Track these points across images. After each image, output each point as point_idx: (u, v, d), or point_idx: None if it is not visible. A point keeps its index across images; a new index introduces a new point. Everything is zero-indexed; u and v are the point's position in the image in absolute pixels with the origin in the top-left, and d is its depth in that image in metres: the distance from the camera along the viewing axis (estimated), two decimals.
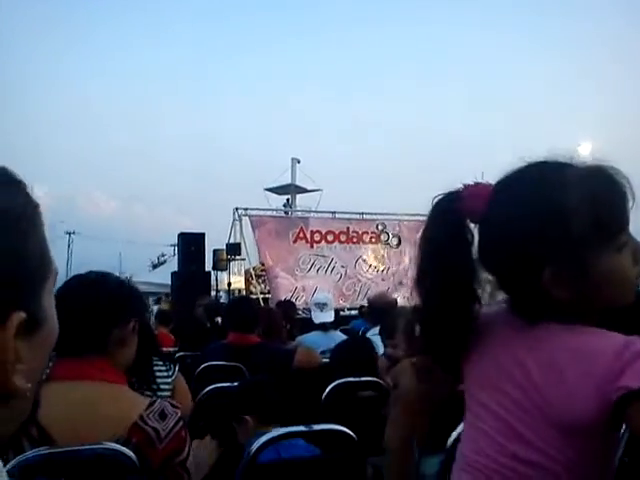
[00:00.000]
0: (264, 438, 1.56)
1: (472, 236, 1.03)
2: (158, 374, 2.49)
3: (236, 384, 2.63)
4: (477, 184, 1.04)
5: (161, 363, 2.56)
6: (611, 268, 0.94)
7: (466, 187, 1.04)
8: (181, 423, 1.49)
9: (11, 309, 0.53)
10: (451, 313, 1.03)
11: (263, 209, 19.10)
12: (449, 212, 1.04)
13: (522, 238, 0.95)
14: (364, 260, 18.77)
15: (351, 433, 1.57)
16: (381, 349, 3.43)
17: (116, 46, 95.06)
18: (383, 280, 18.32)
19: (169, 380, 2.53)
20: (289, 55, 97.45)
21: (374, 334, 3.58)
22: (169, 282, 15.76)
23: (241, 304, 3.85)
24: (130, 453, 1.36)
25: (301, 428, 1.62)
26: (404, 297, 18.07)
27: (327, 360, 3.71)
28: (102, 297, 1.58)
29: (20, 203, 0.56)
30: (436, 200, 1.07)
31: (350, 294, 18.19)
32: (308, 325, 5.43)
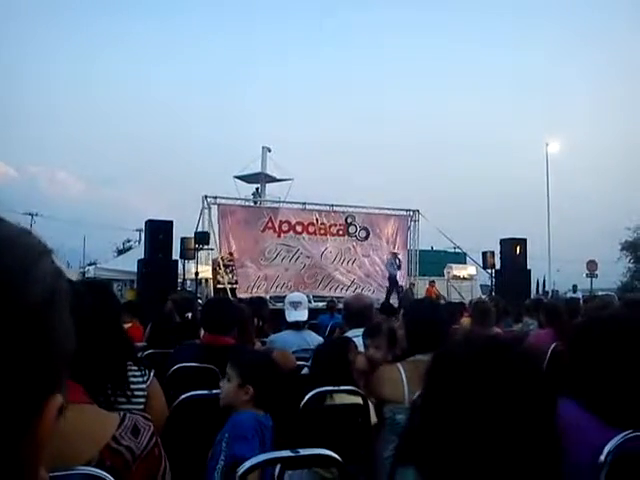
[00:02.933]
0: (248, 464, 1.50)
1: None
2: (132, 379, 2.40)
3: (214, 391, 2.58)
4: None
5: (135, 368, 2.46)
6: None
7: None
8: (154, 439, 1.40)
9: (49, 394, 0.50)
10: None
11: (233, 198, 19.01)
12: None
13: None
14: (330, 252, 18.89)
15: (337, 457, 1.53)
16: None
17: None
18: (349, 272, 18.48)
19: (144, 386, 2.45)
20: (262, 42, 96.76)
21: (355, 335, 3.55)
22: (135, 269, 15.48)
23: (219, 306, 3.76)
24: (108, 476, 1.28)
25: (287, 453, 1.57)
26: (370, 290, 18.34)
27: (302, 363, 3.67)
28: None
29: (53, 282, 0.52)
30: None
31: (311, 282, 18.25)
32: (277, 317, 5.37)
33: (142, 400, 2.40)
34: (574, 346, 2.14)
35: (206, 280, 17.93)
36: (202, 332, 4.60)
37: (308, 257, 18.43)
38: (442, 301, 13.98)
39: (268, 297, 14.66)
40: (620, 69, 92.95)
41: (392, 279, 17.53)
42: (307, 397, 2.53)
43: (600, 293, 19.38)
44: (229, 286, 15.33)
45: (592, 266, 26.46)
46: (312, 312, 9.85)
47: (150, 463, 1.35)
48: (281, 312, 5.00)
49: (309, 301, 14.55)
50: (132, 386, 2.37)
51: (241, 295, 14.35)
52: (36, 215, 40.91)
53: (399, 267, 17.93)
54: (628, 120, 76.66)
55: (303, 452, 1.54)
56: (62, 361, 0.51)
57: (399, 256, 18.20)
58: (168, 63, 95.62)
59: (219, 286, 15.40)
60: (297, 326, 4.64)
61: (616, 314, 2.55)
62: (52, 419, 0.50)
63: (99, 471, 1.29)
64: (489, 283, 19.65)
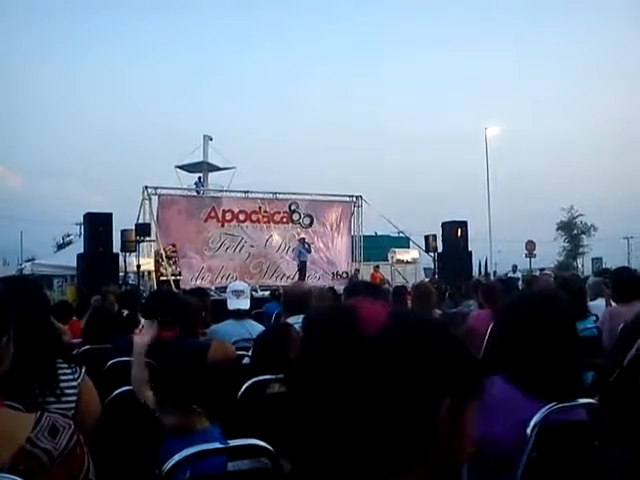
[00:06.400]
0: (177, 457, 1.48)
1: None
2: (62, 377, 2.33)
3: None
4: None
5: (65, 365, 2.38)
6: None
7: None
8: (75, 438, 1.30)
9: None
10: None
11: (174, 188, 18.68)
12: None
13: None
14: (275, 240, 18.85)
15: (268, 447, 1.52)
16: None
17: None
18: (294, 260, 18.48)
19: (75, 384, 2.37)
20: (203, 27, 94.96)
21: (295, 322, 3.55)
22: (75, 264, 15.07)
23: (161, 299, 3.68)
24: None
25: (217, 445, 1.55)
26: (316, 277, 18.40)
27: (242, 353, 3.65)
28: None
29: None
30: None
31: (256, 272, 18.19)
32: (221, 308, 5.32)
33: (73, 398, 2.33)
34: (503, 324, 2.20)
35: (149, 273, 17.59)
36: (140, 326, 4.53)
37: (252, 246, 18.34)
38: (387, 286, 14.16)
39: (213, 288, 14.52)
40: (561, 55, 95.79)
41: (302, 265, 17.55)
42: (244, 387, 2.51)
43: (537, 272, 20.07)
44: (172, 278, 15.10)
45: (531, 246, 27.29)
46: (258, 301, 9.86)
47: (70, 463, 1.27)
48: (225, 303, 4.94)
49: (255, 290, 14.50)
50: (62, 384, 2.30)
51: (185, 287, 14.16)
52: None
53: (309, 251, 17.88)
54: (564, 104, 79.22)
55: (233, 443, 1.52)
56: None
57: (306, 240, 18.13)
58: (108, 52, 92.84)
59: (162, 278, 15.15)
60: (239, 315, 4.60)
61: (539, 293, 2.65)
62: None
63: (9, 476, 1.22)
64: (432, 266, 20.02)
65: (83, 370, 2.45)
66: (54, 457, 1.25)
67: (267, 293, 13.38)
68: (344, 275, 18.93)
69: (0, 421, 1.30)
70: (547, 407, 1.80)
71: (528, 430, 1.81)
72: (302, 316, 3.93)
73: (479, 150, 30.06)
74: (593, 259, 37.73)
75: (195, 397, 2.44)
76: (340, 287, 14.73)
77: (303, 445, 0.83)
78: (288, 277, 18.00)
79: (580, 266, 43.93)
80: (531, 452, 1.82)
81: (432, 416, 0.80)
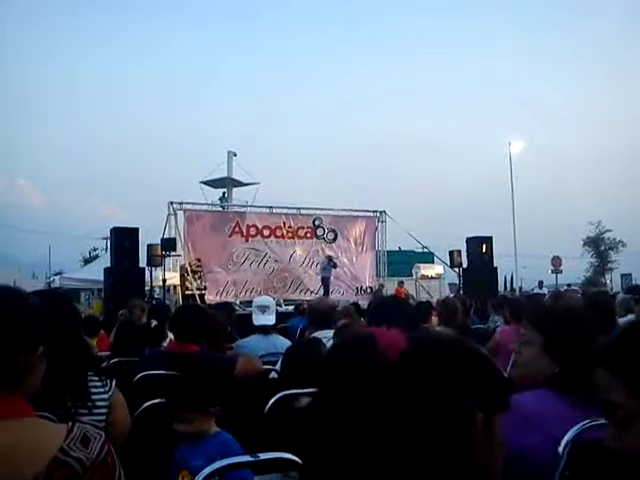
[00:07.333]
0: (208, 470, 1.48)
1: None
2: (94, 390, 2.37)
3: None
4: None
5: (96, 378, 2.42)
6: None
7: None
8: (106, 448, 1.34)
9: None
10: None
11: (199, 203, 18.88)
12: None
13: None
14: (299, 255, 18.89)
15: (298, 460, 1.52)
16: None
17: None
18: (318, 275, 18.48)
19: (105, 396, 2.40)
20: (227, 43, 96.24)
21: (322, 337, 3.55)
22: (101, 278, 15.24)
23: (189, 313, 3.71)
24: None
25: (247, 458, 1.55)
26: (339, 292, 18.39)
27: (268, 367, 3.65)
28: (8, 321, 1.39)
29: None
30: None
31: (280, 287, 18.22)
32: (246, 322, 5.33)
33: (104, 410, 2.36)
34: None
35: (174, 287, 17.73)
36: (167, 341, 4.57)
37: (276, 261, 18.41)
38: (411, 301, 14.08)
39: (238, 302, 14.59)
40: (582, 71, 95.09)
41: (323, 280, 17.53)
42: (272, 401, 2.51)
43: (564, 288, 19.77)
44: (198, 292, 15.21)
45: (557, 262, 26.95)
46: (282, 316, 9.87)
47: (103, 473, 1.30)
48: (250, 317, 4.96)
49: (279, 305, 14.53)
50: (93, 397, 2.34)
51: (210, 301, 14.24)
52: None
53: (334, 267, 17.82)
54: (589, 118, 78.43)
55: (263, 456, 1.53)
56: None
57: (334, 259, 18.11)
58: (133, 69, 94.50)
59: (187, 292, 15.27)
60: (265, 330, 4.61)
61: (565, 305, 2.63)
62: None
63: None
64: (457, 282, 19.86)
65: (113, 383, 2.48)
66: (87, 467, 1.27)
67: (291, 308, 13.39)
68: (368, 290, 18.86)
69: (33, 431, 1.33)
70: (581, 424, 1.77)
71: (560, 448, 1.78)
72: (329, 331, 3.93)
73: (503, 165, 29.94)
74: (622, 275, 37.02)
75: (214, 400, 2.52)
76: (364, 302, 14.75)
77: (335, 466, 0.83)
78: (312, 292, 18.01)
79: (609, 282, 43.17)
80: (564, 470, 1.79)
81: (469, 434, 0.80)
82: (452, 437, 0.79)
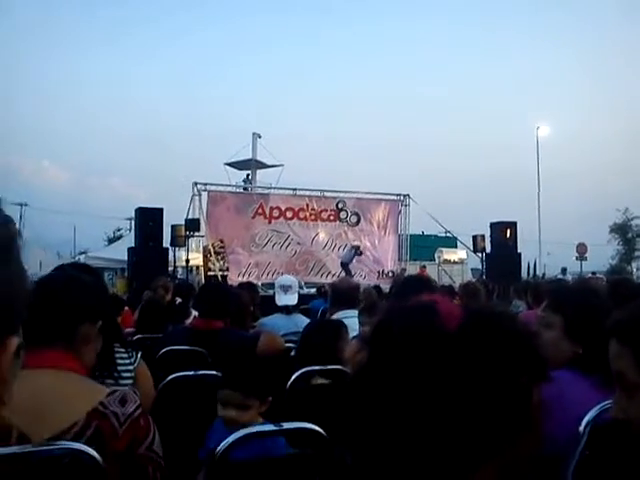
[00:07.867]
0: (232, 438, 1.52)
1: None
2: (120, 361, 2.44)
3: (200, 372, 2.59)
4: None
5: (122, 350, 2.49)
6: None
7: None
8: (140, 410, 1.49)
9: (8, 334, 0.57)
10: None
11: (223, 184, 18.95)
12: None
13: None
14: (321, 238, 18.88)
15: (322, 431, 1.55)
16: (356, 332, 3.42)
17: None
18: (339, 258, 18.45)
19: (131, 367, 2.48)
20: (253, 29, 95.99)
21: (343, 317, 3.57)
22: (125, 258, 15.44)
23: (213, 291, 3.77)
24: (90, 450, 1.31)
25: (271, 427, 1.59)
26: (362, 275, 18.38)
27: (290, 345, 3.69)
28: (77, 293, 1.61)
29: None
30: None
31: (302, 269, 18.20)
32: (268, 304, 5.39)
33: (130, 382, 2.43)
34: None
35: (197, 267, 17.89)
36: (190, 318, 4.63)
37: (299, 243, 18.42)
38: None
39: (260, 283, 14.68)
40: (611, 53, 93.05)
41: (342, 265, 17.57)
42: (293, 377, 2.54)
43: (589, 275, 19.53)
44: (220, 273, 15.31)
45: (582, 249, 26.59)
46: (304, 298, 9.88)
47: (136, 429, 1.43)
48: (272, 298, 5.00)
49: (300, 287, 14.56)
50: (119, 367, 2.40)
51: (232, 282, 14.35)
52: (26, 205, 40.62)
53: (357, 254, 17.93)
54: (617, 103, 76.84)
55: (287, 426, 1.56)
56: (19, 304, 0.55)
57: (361, 248, 18.18)
58: (155, 54, 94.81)
59: (210, 273, 15.37)
60: (287, 310, 4.65)
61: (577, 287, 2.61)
62: (10, 356, 0.56)
63: (82, 446, 1.32)
64: (480, 267, 19.72)
65: (139, 355, 2.55)
66: (121, 421, 1.42)
67: (313, 290, 13.43)
68: (390, 274, 18.81)
69: (81, 384, 1.51)
70: (601, 405, 1.77)
71: (581, 428, 1.79)
72: (349, 311, 3.95)
73: (530, 150, 29.53)
74: None
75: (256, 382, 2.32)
76: (386, 286, 14.71)
77: (374, 439, 0.84)
78: (334, 275, 17.98)
79: (635, 270, 42.52)
80: (584, 450, 1.80)
81: (528, 407, 0.82)
82: (511, 410, 0.81)
